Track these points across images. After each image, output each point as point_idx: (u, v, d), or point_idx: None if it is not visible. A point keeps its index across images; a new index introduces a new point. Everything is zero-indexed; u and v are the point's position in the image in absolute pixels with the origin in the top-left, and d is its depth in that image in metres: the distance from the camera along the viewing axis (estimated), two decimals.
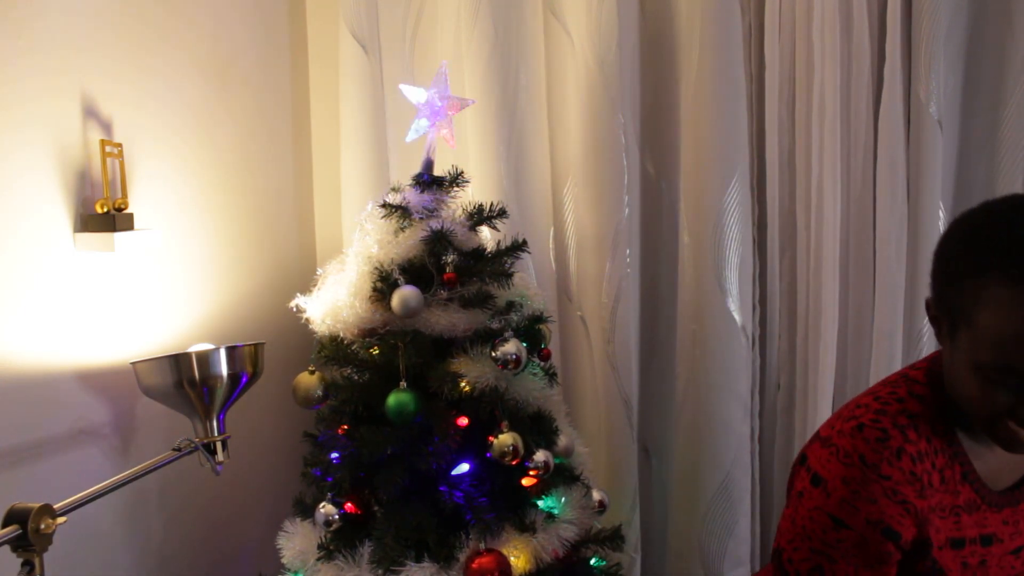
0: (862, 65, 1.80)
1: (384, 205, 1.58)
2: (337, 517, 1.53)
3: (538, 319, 1.65)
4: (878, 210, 1.79)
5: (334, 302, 1.54)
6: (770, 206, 1.91)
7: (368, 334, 1.55)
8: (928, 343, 1.80)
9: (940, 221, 1.80)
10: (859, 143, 1.83)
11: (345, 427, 1.57)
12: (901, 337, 1.79)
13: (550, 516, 1.56)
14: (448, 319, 1.50)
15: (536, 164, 2.00)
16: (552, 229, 2.02)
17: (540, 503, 1.58)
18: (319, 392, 1.59)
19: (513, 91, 1.98)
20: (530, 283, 1.73)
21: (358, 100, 1.97)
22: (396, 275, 1.52)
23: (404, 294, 1.48)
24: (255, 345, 1.46)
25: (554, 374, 1.71)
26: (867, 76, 1.80)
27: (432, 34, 2.05)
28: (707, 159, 1.85)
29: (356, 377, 1.59)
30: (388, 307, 1.50)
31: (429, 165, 1.62)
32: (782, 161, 1.90)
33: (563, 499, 1.59)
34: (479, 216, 1.62)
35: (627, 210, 1.94)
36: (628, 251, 1.96)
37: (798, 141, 1.88)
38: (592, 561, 1.63)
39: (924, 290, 1.79)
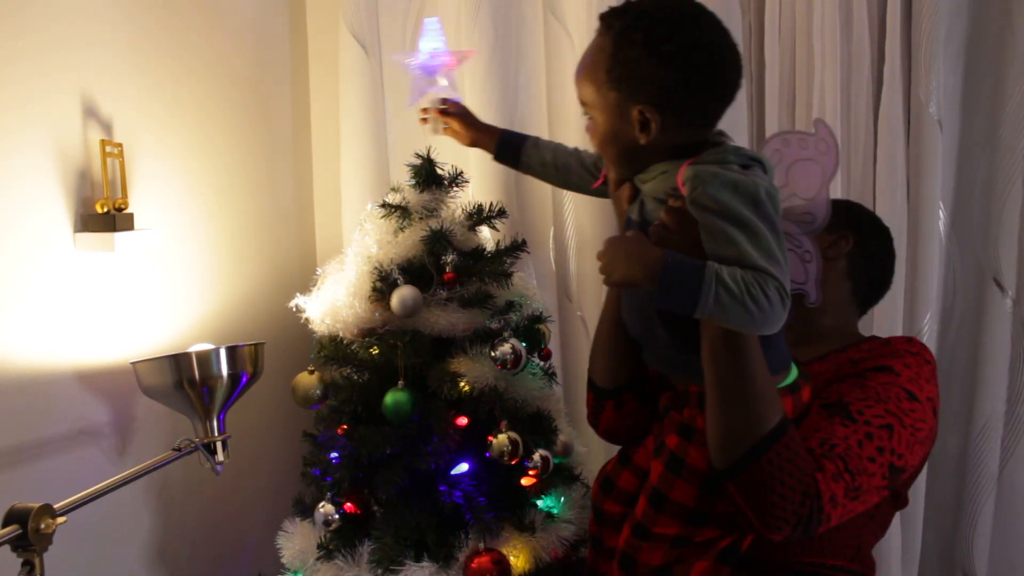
0: (862, 65, 1.79)
1: (384, 205, 1.58)
2: (337, 517, 1.53)
3: (537, 319, 1.65)
4: (878, 210, 1.78)
5: (333, 302, 1.54)
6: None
7: (367, 334, 1.56)
8: (928, 343, 1.80)
9: (940, 221, 1.80)
10: (859, 143, 1.83)
11: (344, 427, 1.57)
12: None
13: (549, 516, 1.56)
14: (447, 319, 1.51)
15: None
16: (552, 229, 2.02)
17: (539, 503, 1.58)
18: (318, 392, 1.59)
19: (513, 91, 1.98)
20: (530, 283, 1.73)
21: (358, 100, 1.97)
22: (395, 275, 1.52)
23: (403, 294, 1.48)
24: (255, 345, 1.46)
25: (553, 374, 1.71)
26: (867, 76, 1.80)
27: None
28: None
29: (355, 377, 1.59)
30: (387, 307, 1.50)
31: (436, 124, 1.47)
32: None
33: (562, 499, 1.60)
34: (479, 216, 1.62)
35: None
36: None
37: None
38: None
39: (924, 290, 1.79)
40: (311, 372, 1.59)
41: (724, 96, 1.04)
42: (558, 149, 1.41)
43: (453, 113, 1.46)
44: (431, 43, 1.46)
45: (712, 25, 1.02)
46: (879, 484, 1.07)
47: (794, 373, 1.11)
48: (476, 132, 1.45)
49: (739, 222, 0.94)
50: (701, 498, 1.07)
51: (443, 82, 1.47)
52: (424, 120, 1.48)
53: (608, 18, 1.04)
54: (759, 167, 1.01)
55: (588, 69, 1.06)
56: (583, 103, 1.09)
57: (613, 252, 1.02)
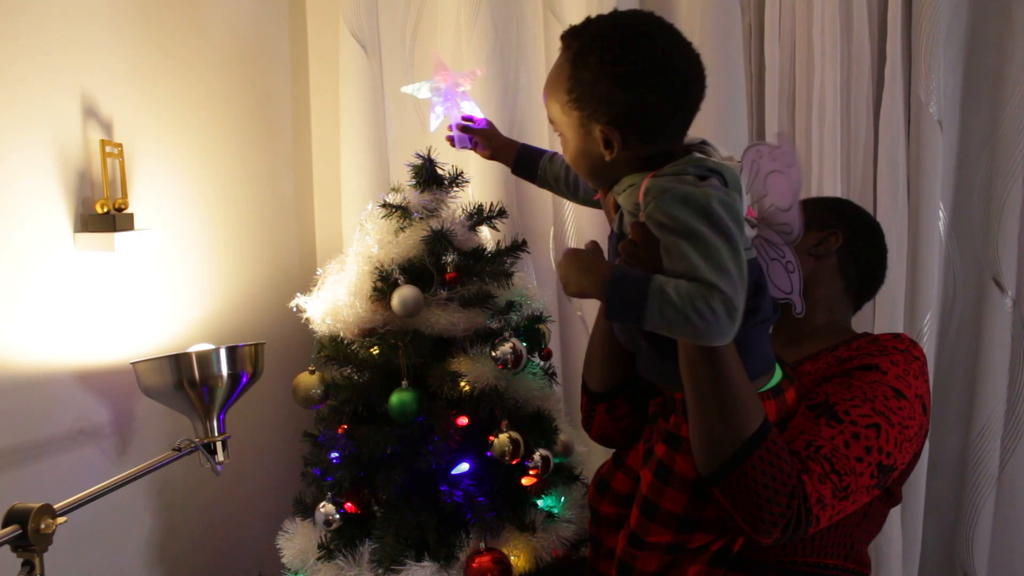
0: (862, 65, 1.80)
1: (384, 205, 1.58)
2: (337, 517, 1.53)
3: (538, 319, 1.65)
4: (878, 210, 1.79)
5: (334, 302, 1.54)
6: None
7: (368, 334, 1.55)
8: (928, 343, 1.80)
9: (940, 221, 1.80)
10: (859, 143, 1.83)
11: (345, 427, 1.57)
12: None
13: (550, 515, 1.56)
14: (448, 319, 1.51)
15: None
16: (552, 229, 2.02)
17: (540, 502, 1.58)
18: (319, 392, 1.59)
19: (513, 91, 1.98)
20: (530, 283, 1.73)
21: (358, 100, 1.97)
22: (396, 275, 1.52)
23: (404, 294, 1.48)
24: (255, 345, 1.46)
25: (553, 374, 1.71)
26: (867, 76, 1.80)
27: (432, 34, 2.05)
28: None
29: (356, 377, 1.59)
30: (388, 307, 1.50)
31: (463, 141, 1.50)
32: None
33: (562, 498, 1.60)
34: (479, 216, 1.62)
35: None
36: None
37: (798, 141, 1.88)
38: None
39: (924, 290, 1.79)
40: (312, 372, 1.59)
41: (685, 109, 1.05)
42: None
43: (476, 129, 1.48)
44: (441, 71, 1.50)
45: (668, 40, 1.01)
46: (868, 483, 1.07)
47: (777, 376, 1.11)
48: (497, 146, 1.47)
49: (689, 235, 0.94)
50: (691, 505, 1.08)
51: (466, 104, 1.50)
52: (451, 140, 1.51)
53: (567, 38, 1.05)
54: (718, 178, 1.00)
55: (552, 89, 1.07)
56: (551, 121, 1.10)
57: (568, 265, 1.03)
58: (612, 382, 1.27)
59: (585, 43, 1.02)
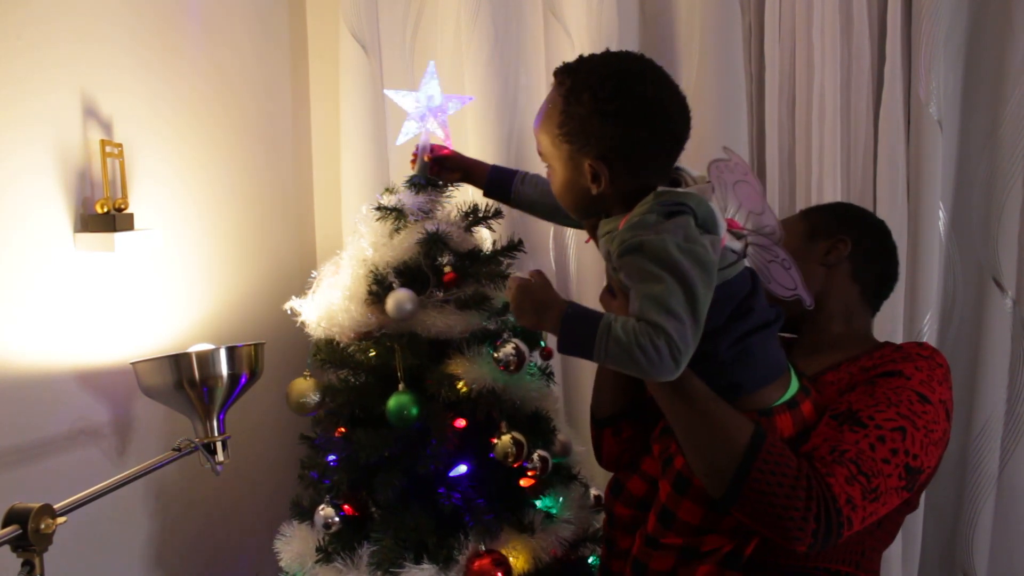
0: (862, 65, 1.79)
1: (379, 207, 1.57)
2: (336, 519, 1.52)
3: None
4: (878, 210, 1.79)
5: (329, 306, 1.53)
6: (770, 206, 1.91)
7: (364, 337, 1.55)
8: (929, 343, 1.80)
9: (940, 221, 1.80)
10: (859, 143, 1.83)
11: (343, 430, 1.56)
12: (901, 337, 1.79)
13: (548, 516, 1.56)
14: (445, 321, 1.50)
15: (536, 164, 1.98)
16: (552, 229, 2.02)
17: (538, 503, 1.58)
18: (314, 398, 1.58)
19: (513, 91, 1.98)
20: None
21: (358, 100, 1.97)
22: (391, 278, 1.51)
23: (399, 297, 1.47)
24: (255, 345, 1.46)
25: (551, 373, 1.71)
26: (867, 76, 1.80)
27: (432, 34, 2.05)
28: (707, 159, 1.84)
29: (353, 380, 1.58)
30: (383, 310, 1.50)
31: (424, 168, 1.53)
32: (782, 161, 1.90)
33: (561, 499, 1.60)
34: (474, 217, 1.61)
35: None
36: None
37: (798, 141, 1.88)
38: (590, 559, 1.63)
39: (924, 290, 1.79)
40: (307, 377, 1.59)
41: (671, 146, 1.08)
42: (547, 187, 1.42)
43: (439, 157, 1.50)
44: (430, 88, 1.51)
45: (657, 79, 1.05)
46: (897, 485, 1.08)
47: (793, 388, 1.12)
48: (465, 168, 1.48)
49: (644, 278, 0.98)
50: (707, 516, 1.10)
51: (439, 131, 1.51)
52: (413, 163, 1.53)
53: (561, 74, 1.08)
54: (687, 211, 1.02)
55: (544, 122, 1.10)
56: (541, 154, 1.14)
57: (521, 297, 1.08)
58: (619, 405, 1.31)
59: (579, 80, 1.05)
